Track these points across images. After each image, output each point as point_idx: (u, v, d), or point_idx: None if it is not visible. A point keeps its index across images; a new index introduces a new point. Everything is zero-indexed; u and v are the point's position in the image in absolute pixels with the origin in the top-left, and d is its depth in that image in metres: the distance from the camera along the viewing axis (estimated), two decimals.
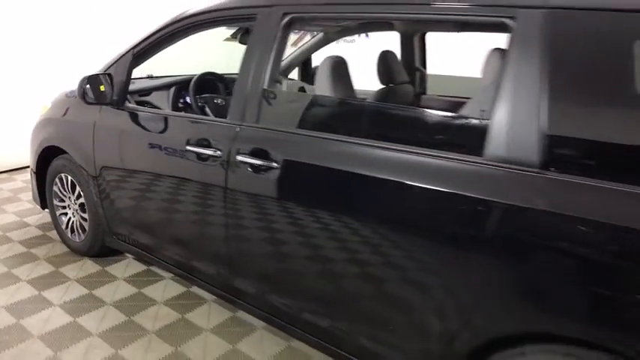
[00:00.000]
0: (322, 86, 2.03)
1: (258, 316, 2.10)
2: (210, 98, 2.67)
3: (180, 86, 2.75)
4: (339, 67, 2.07)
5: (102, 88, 2.29)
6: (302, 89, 2.96)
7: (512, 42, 1.36)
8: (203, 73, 2.72)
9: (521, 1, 1.36)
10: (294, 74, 3.55)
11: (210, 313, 2.43)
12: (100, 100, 2.32)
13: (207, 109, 2.68)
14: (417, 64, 3.10)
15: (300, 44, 3.39)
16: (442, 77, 3.39)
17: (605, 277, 1.18)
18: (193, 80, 2.68)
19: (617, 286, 1.17)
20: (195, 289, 2.62)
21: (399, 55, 3.00)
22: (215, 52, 4.37)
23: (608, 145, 1.23)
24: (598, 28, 1.27)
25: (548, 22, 1.30)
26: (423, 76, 3.10)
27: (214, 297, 2.54)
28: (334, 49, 2.95)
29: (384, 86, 2.68)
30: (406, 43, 3.06)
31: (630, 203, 1.16)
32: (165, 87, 2.78)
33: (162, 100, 2.74)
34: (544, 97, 1.28)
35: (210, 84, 2.71)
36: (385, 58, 2.72)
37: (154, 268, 2.84)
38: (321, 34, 3.23)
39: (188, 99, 2.65)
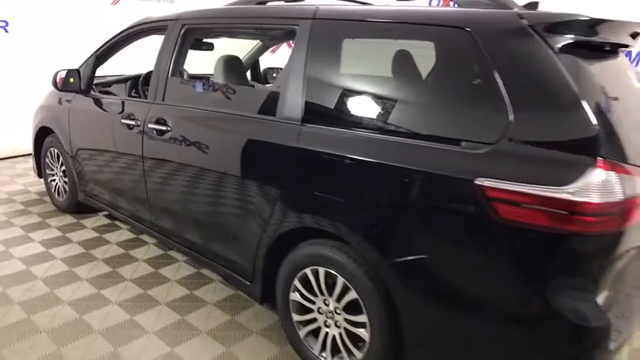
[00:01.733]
0: (216, 75, 2.78)
1: (177, 249, 2.85)
2: None
3: (134, 80, 3.57)
4: (228, 62, 2.81)
5: (71, 80, 3.13)
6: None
7: (294, 42, 2.09)
8: (149, 70, 3.53)
9: (301, 15, 2.09)
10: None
11: (148, 249, 3.21)
12: (69, 88, 3.16)
13: None
14: None
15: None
16: None
17: (331, 188, 1.87)
18: (142, 76, 3.50)
19: (340, 194, 1.84)
20: (144, 236, 3.41)
21: None
22: None
23: (334, 108, 1.94)
24: (333, 30, 1.98)
25: (314, 27, 2.03)
26: None
27: (155, 240, 3.32)
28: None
29: None
30: None
31: (343, 140, 1.86)
32: (123, 81, 3.62)
33: (121, 91, 3.57)
34: (305, 78, 2.00)
35: None
36: None
37: (118, 222, 3.65)
38: (260, 43, 4.01)
39: (139, 89, 3.47)
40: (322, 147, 1.89)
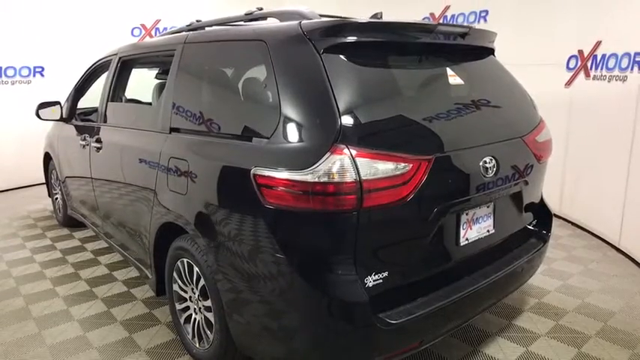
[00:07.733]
0: (152, 98, 3.18)
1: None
2: None
3: None
4: (161, 86, 3.20)
5: (53, 110, 3.70)
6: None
7: (172, 64, 2.42)
8: None
9: (179, 41, 2.43)
10: None
11: (113, 256, 3.64)
12: (50, 118, 3.73)
13: None
14: None
15: None
16: None
17: (176, 185, 2.14)
18: None
19: (178, 190, 2.12)
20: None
21: None
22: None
23: (186, 119, 2.22)
24: (199, 52, 2.30)
25: (183, 50, 2.35)
26: None
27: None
28: None
29: None
30: None
31: (181, 144, 2.14)
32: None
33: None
34: (172, 95, 2.32)
35: None
36: None
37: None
38: None
39: None
40: (172, 151, 2.20)
